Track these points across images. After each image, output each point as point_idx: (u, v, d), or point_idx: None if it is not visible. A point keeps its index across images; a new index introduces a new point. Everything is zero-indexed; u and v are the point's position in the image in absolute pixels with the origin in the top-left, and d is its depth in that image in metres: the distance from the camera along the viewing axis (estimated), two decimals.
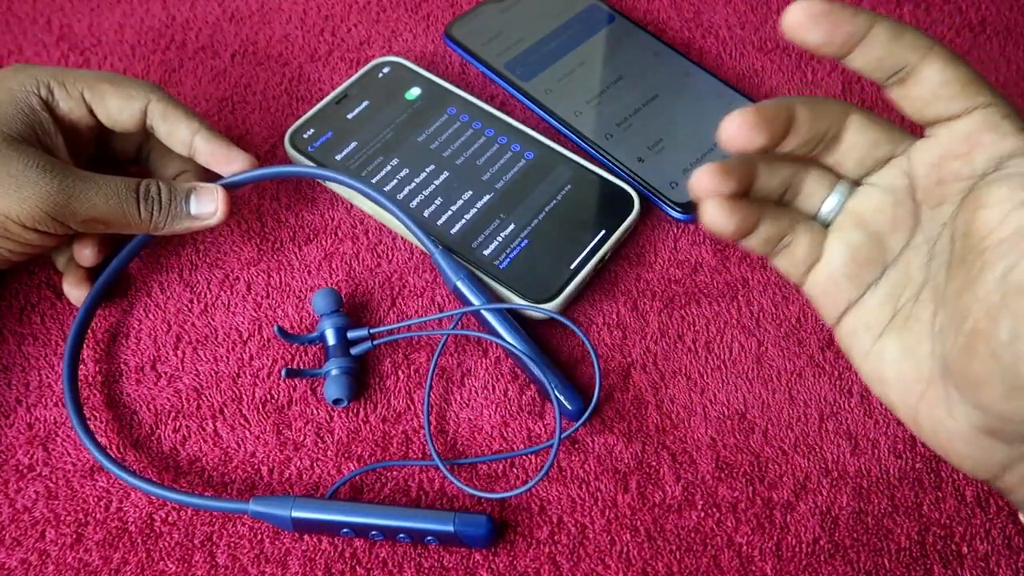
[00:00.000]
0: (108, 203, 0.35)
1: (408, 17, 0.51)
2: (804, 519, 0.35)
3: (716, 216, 0.27)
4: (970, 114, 0.25)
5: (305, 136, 0.44)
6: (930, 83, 0.25)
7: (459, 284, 0.37)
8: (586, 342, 0.36)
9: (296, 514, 0.33)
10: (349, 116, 0.45)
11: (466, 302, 0.37)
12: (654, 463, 0.36)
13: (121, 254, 0.39)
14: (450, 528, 0.33)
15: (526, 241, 0.40)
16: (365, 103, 0.45)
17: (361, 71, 0.46)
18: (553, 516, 0.35)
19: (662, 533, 0.34)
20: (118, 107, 0.38)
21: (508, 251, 0.40)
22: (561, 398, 0.36)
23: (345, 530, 0.33)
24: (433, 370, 0.38)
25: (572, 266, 0.40)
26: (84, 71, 0.38)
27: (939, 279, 0.26)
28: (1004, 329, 0.22)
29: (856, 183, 0.29)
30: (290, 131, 0.44)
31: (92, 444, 0.35)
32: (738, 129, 0.25)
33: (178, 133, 0.38)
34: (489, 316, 0.37)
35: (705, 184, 0.26)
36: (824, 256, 0.29)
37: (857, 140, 0.27)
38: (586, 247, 0.40)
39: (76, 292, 0.39)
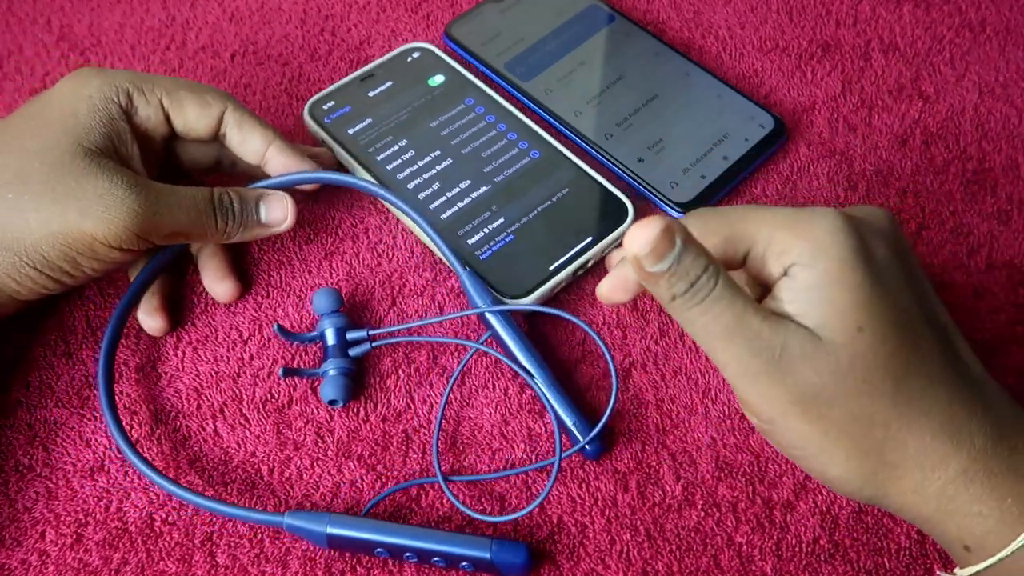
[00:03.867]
0: (189, 216, 0.35)
1: (408, 17, 0.51)
2: (804, 519, 0.35)
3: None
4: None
5: (324, 107, 0.45)
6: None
7: (488, 315, 0.37)
8: (593, 335, 0.35)
9: (332, 530, 0.32)
10: (370, 94, 0.46)
11: (489, 327, 0.37)
12: (654, 463, 0.36)
13: (152, 263, 0.39)
14: (487, 555, 0.32)
15: (511, 236, 0.41)
16: (388, 83, 0.46)
17: (391, 53, 0.48)
18: (553, 516, 0.35)
19: (662, 533, 0.34)
20: (196, 115, 0.37)
21: (492, 243, 0.40)
22: (578, 435, 0.35)
23: (379, 550, 0.33)
24: (451, 386, 0.38)
25: (551, 267, 0.39)
26: (160, 77, 0.37)
27: None
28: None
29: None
30: (311, 101, 0.45)
31: (146, 465, 0.34)
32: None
33: (252, 143, 0.38)
34: (510, 342, 0.37)
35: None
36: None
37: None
38: (570, 251, 0.40)
39: (150, 321, 0.38)
